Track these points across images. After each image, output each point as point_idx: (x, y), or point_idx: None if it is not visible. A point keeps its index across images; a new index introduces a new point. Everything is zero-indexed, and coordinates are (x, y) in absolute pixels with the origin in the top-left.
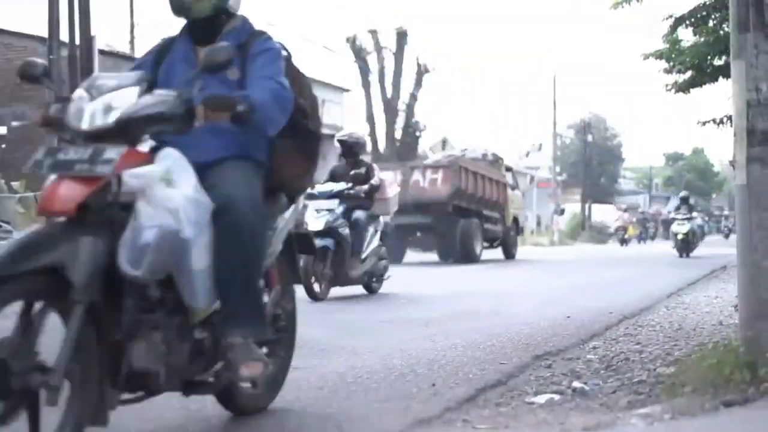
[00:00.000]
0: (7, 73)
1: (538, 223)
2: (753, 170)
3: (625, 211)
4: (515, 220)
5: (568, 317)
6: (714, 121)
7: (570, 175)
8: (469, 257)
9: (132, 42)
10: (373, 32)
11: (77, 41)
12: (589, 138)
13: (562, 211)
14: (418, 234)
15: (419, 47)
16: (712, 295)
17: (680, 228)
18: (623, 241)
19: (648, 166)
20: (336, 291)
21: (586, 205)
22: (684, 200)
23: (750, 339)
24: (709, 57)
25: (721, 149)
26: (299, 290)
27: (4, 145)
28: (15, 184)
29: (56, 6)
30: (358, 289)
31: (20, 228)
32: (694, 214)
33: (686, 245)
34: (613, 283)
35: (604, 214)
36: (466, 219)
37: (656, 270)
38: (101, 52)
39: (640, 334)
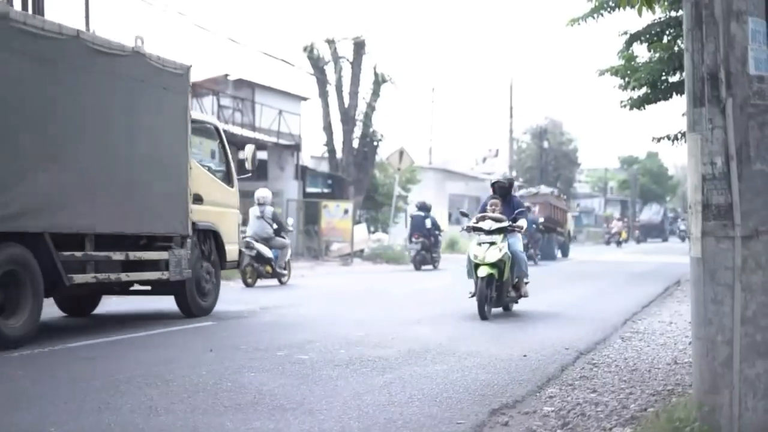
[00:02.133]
0: None
1: None
2: (707, 244)
3: (619, 219)
4: (569, 232)
5: (525, 356)
6: (668, 137)
7: (526, 180)
8: (550, 257)
9: None
10: (331, 42)
11: None
12: (545, 144)
13: None
14: None
15: (377, 57)
16: (667, 321)
17: (485, 253)
18: (618, 243)
19: (603, 169)
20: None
21: None
22: (503, 188)
23: (705, 413)
24: (663, 73)
25: (675, 154)
26: None
27: None
28: None
29: None
30: (312, 314)
31: None
32: (521, 222)
33: (492, 289)
34: (569, 306)
35: None
36: (549, 234)
37: (611, 286)
38: None
39: (596, 377)
